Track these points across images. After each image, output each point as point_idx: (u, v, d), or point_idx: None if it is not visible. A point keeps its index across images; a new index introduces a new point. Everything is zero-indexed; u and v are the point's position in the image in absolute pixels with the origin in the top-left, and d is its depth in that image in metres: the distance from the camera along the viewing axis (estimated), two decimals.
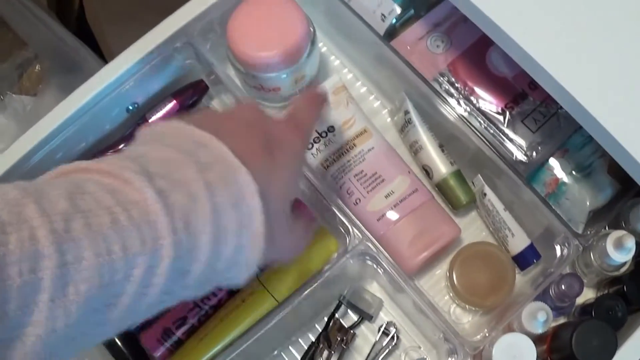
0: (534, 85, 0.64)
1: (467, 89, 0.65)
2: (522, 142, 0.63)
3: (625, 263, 0.61)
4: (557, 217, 0.61)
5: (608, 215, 0.63)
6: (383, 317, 0.65)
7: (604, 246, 0.59)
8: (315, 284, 0.59)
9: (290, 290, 0.60)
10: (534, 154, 0.63)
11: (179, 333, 0.62)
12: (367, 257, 0.60)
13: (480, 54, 0.66)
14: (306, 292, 0.59)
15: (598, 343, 0.56)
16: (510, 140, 0.63)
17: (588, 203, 0.62)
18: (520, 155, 0.63)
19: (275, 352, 0.65)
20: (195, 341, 0.62)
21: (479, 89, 0.65)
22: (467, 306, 0.63)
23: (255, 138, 0.42)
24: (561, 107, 0.61)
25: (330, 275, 0.59)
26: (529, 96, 0.65)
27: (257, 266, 0.41)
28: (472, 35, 0.67)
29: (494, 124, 0.64)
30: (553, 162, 0.64)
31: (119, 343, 0.64)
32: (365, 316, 0.64)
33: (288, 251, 0.47)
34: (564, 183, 0.63)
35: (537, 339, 0.60)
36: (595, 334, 0.56)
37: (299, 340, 0.65)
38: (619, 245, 0.58)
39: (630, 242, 0.58)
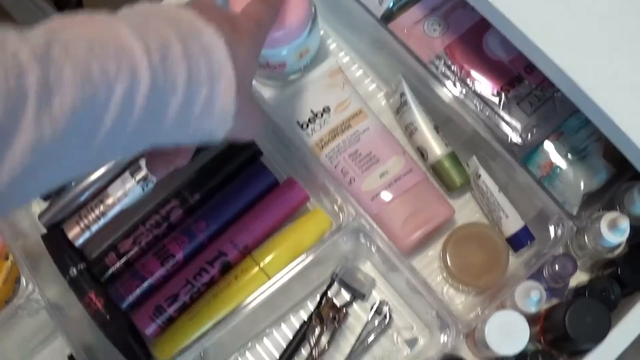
0: (530, 68, 0.64)
1: (463, 72, 0.65)
2: (518, 125, 0.63)
3: (619, 245, 0.61)
4: (551, 199, 0.61)
5: (602, 199, 0.63)
6: (376, 297, 0.65)
7: (598, 228, 0.59)
8: (308, 261, 0.59)
9: (282, 266, 0.60)
10: (529, 136, 0.63)
11: (171, 310, 0.62)
12: (361, 235, 0.60)
13: (477, 37, 0.67)
14: (298, 269, 0.59)
15: (591, 321, 0.56)
16: (506, 122, 0.64)
17: (582, 186, 0.62)
18: (515, 138, 0.63)
19: (267, 330, 0.65)
20: (186, 318, 0.62)
21: (475, 72, 0.65)
22: (460, 287, 0.63)
23: (217, 15, 0.43)
24: (557, 91, 0.61)
25: (323, 252, 0.59)
26: (525, 80, 0.65)
27: (232, 122, 0.41)
28: (469, 20, 0.67)
29: (490, 107, 0.64)
30: (548, 145, 0.64)
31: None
32: (357, 295, 0.64)
33: (251, 127, 0.47)
34: (558, 166, 0.63)
35: (530, 320, 0.60)
36: (589, 312, 0.56)
37: (291, 318, 0.65)
38: (613, 226, 0.58)
39: (625, 223, 0.58)
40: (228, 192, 0.64)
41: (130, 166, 0.65)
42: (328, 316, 0.62)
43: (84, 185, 0.65)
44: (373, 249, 0.60)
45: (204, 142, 0.42)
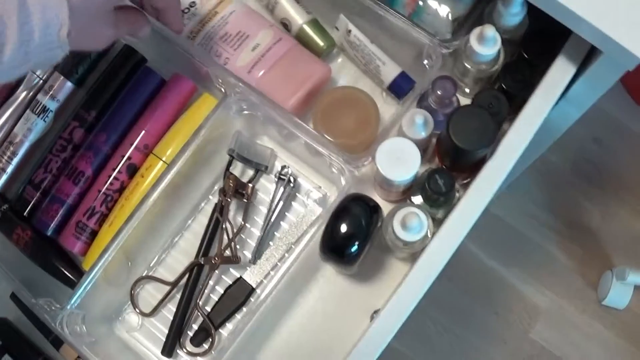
0: None
1: None
2: None
3: (496, 58, 0.62)
4: (423, 32, 0.62)
5: (472, 22, 0.64)
6: (279, 166, 0.67)
7: (470, 45, 0.60)
8: (200, 139, 0.61)
9: (177, 149, 0.62)
10: None
11: (91, 223, 0.65)
12: (244, 106, 0.62)
13: None
14: (191, 147, 0.61)
15: (476, 127, 0.56)
16: None
17: (449, 13, 0.63)
18: None
19: (186, 224, 0.68)
20: (106, 227, 0.65)
21: None
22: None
23: None
24: None
25: (213, 129, 0.62)
26: None
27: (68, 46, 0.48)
28: None
29: None
30: None
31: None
32: (260, 168, 0.66)
33: (95, 41, 0.53)
34: None
35: (427, 151, 0.62)
36: (471, 118, 0.56)
37: (206, 207, 0.68)
38: (481, 38, 0.59)
39: (491, 32, 0.59)
40: (120, 101, 0.66)
41: (30, 104, 0.68)
42: (234, 190, 0.64)
43: None
44: (260, 118, 0.62)
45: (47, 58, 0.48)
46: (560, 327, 1.24)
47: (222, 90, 0.64)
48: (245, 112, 0.63)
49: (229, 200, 0.64)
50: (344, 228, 0.57)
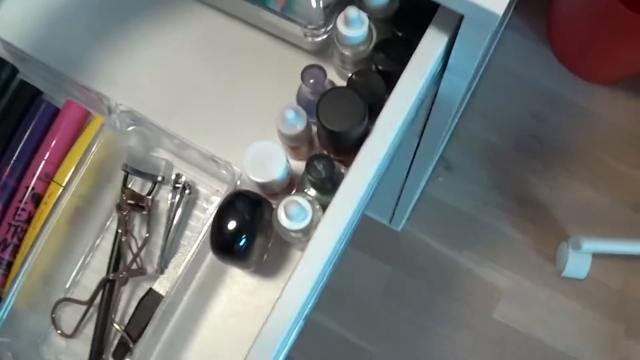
0: None
1: None
2: None
3: (368, 39, 0.63)
4: (295, 23, 0.64)
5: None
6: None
7: (338, 30, 0.61)
8: (88, 158, 0.63)
9: (70, 172, 0.64)
10: None
11: (6, 256, 0.67)
12: (129, 120, 0.64)
13: None
14: (82, 168, 0.63)
15: (345, 108, 0.57)
16: None
17: (320, 0, 0.64)
18: None
19: (96, 244, 0.69)
20: (19, 256, 0.67)
21: None
22: None
23: None
24: None
25: (103, 147, 0.64)
26: None
27: None
28: None
29: None
30: None
31: None
32: (155, 179, 0.67)
33: None
34: None
35: (312, 143, 0.63)
36: (340, 99, 0.57)
37: (111, 225, 0.69)
38: (347, 21, 0.60)
39: (354, 12, 0.59)
40: (19, 134, 0.68)
41: None
42: (134, 204, 0.66)
43: None
44: (147, 132, 0.65)
45: None
46: (523, 305, 1.26)
47: (108, 108, 0.66)
48: (133, 127, 0.65)
49: (124, 214, 0.66)
50: (228, 224, 0.58)
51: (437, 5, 0.57)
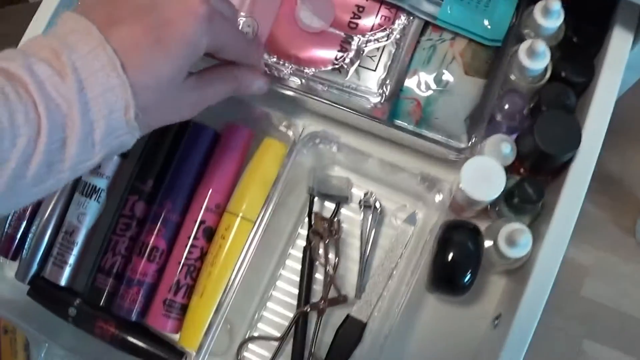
0: (354, 23, 0.61)
1: (292, 60, 0.61)
2: (370, 85, 0.59)
3: (544, 71, 0.58)
4: (434, 142, 0.59)
5: (486, 112, 0.59)
6: (359, 194, 0.64)
7: (519, 60, 0.56)
8: (280, 189, 0.58)
9: (259, 205, 0.59)
10: (386, 90, 0.59)
11: (179, 298, 0.61)
12: (317, 139, 0.59)
13: (289, 19, 0.62)
14: (274, 200, 0.58)
15: (561, 130, 0.54)
16: (358, 90, 0.59)
17: (460, 112, 0.59)
18: (374, 99, 0.59)
19: (277, 274, 0.65)
20: (196, 298, 0.61)
21: (303, 54, 0.61)
22: None
23: (139, 21, 0.44)
24: (390, 32, 0.59)
25: (290, 174, 0.59)
26: (353, 37, 0.60)
27: (145, 128, 0.46)
28: (272, 5, 0.63)
29: (333, 82, 0.60)
30: (406, 88, 0.59)
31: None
32: (341, 200, 0.63)
33: (184, 112, 0.51)
34: (427, 103, 0.59)
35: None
36: (555, 123, 0.54)
37: (292, 252, 0.65)
38: (532, 53, 0.56)
39: (542, 46, 0.55)
40: (177, 163, 0.63)
41: (77, 186, 0.64)
42: (324, 230, 0.61)
43: (42, 225, 0.64)
44: (334, 149, 0.60)
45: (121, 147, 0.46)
46: (609, 280, 1.25)
47: (284, 129, 0.61)
48: (320, 145, 0.60)
49: (326, 243, 0.61)
50: (453, 259, 0.56)
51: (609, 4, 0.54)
